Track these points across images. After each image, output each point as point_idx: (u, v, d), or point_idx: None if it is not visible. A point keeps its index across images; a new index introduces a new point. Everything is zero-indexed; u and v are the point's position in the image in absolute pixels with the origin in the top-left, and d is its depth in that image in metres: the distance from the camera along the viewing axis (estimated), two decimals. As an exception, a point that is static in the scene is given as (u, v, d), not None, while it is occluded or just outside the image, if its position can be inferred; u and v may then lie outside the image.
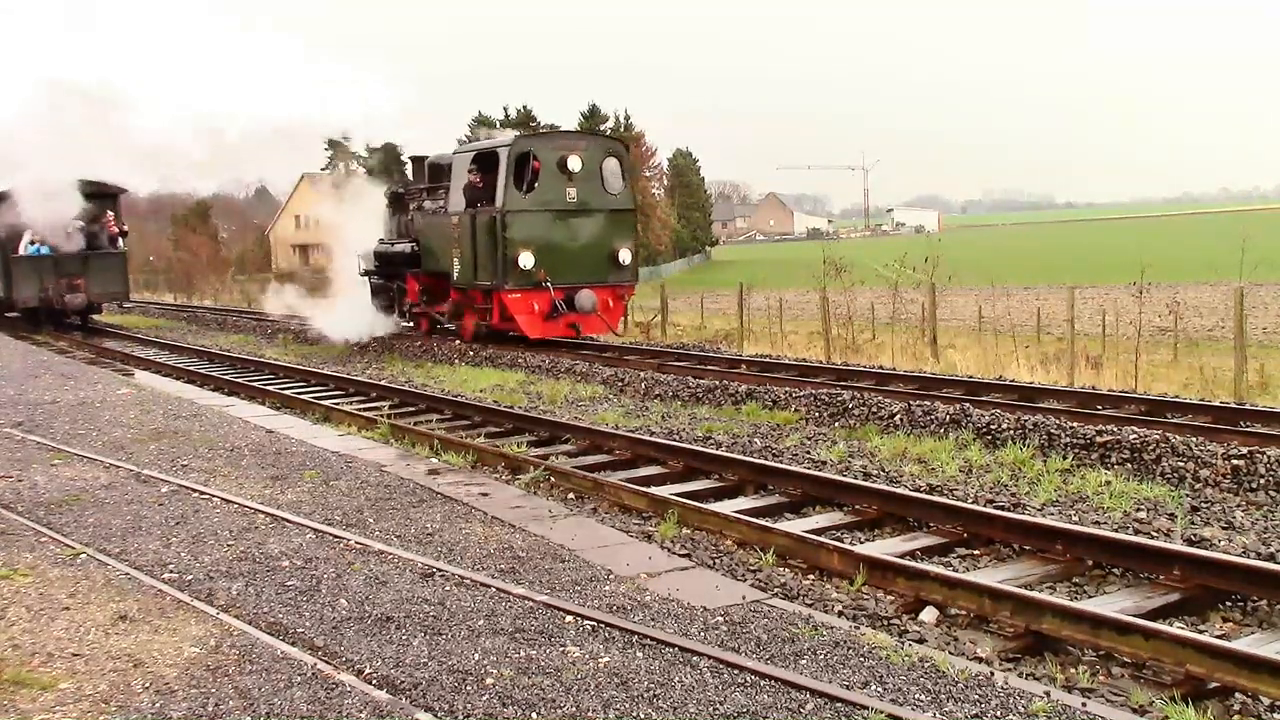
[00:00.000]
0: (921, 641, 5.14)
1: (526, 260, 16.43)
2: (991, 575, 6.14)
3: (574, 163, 16.86)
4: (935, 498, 7.57)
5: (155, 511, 7.02)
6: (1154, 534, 6.85)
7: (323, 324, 21.31)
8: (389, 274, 20.30)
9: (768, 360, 15.33)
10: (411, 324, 20.39)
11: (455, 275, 17.76)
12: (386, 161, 21.52)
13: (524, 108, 63.74)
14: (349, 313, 20.68)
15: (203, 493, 7.53)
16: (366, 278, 21.01)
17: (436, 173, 19.07)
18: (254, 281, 40.70)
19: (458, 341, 18.22)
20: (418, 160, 20.19)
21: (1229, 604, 5.77)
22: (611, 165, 17.70)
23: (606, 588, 5.55)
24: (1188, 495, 7.77)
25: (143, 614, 5.07)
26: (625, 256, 17.39)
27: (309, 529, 6.58)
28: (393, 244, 19.90)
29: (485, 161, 17.25)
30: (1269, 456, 7.95)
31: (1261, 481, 7.78)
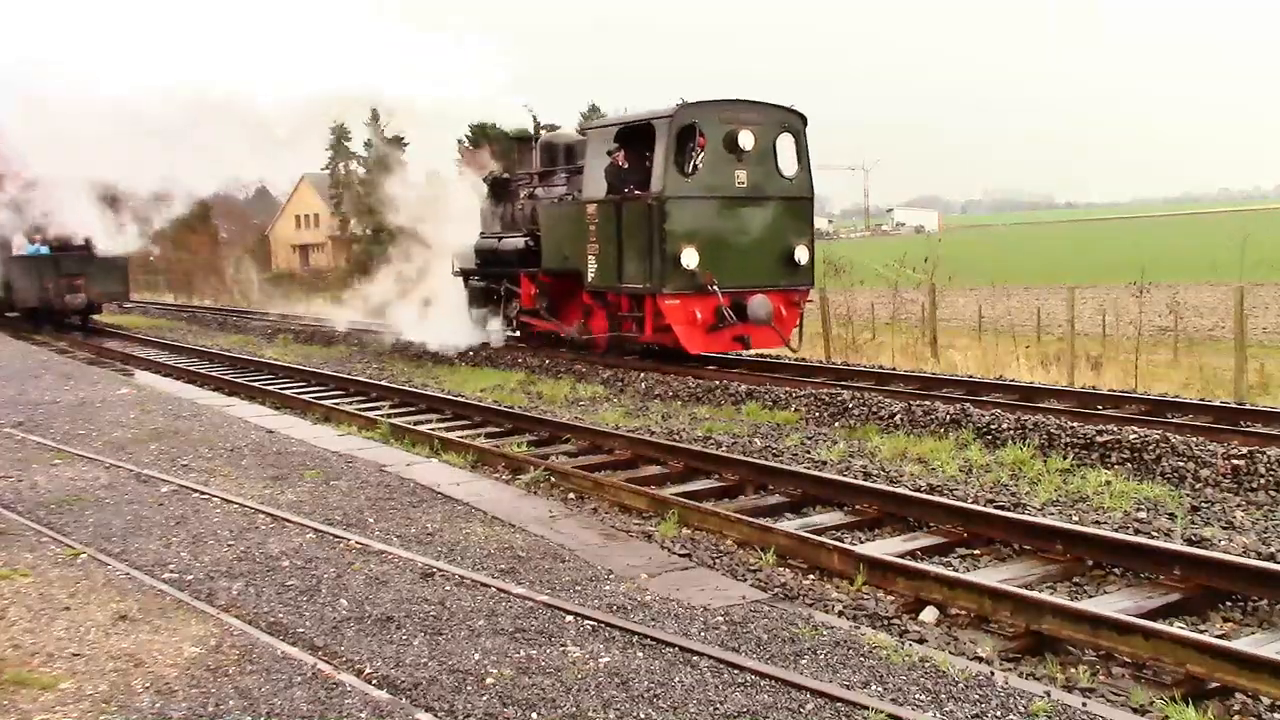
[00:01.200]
0: (921, 641, 5.14)
1: (690, 258, 13.36)
2: (991, 575, 6.14)
3: (746, 139, 13.71)
4: (935, 498, 7.57)
5: (155, 511, 7.02)
6: (1154, 534, 6.85)
7: (408, 334, 18.69)
8: (493, 274, 17.50)
9: (767, 360, 15.33)
10: (518, 333, 17.36)
11: (590, 276, 14.60)
12: (475, 141, 19.28)
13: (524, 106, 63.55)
14: (437, 319, 18.31)
15: (203, 493, 7.53)
16: (460, 278, 18.47)
17: (552, 154, 16.64)
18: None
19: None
20: (523, 140, 17.68)
21: (1229, 604, 5.77)
22: (786, 143, 14.46)
23: (606, 588, 5.55)
24: (1188, 495, 7.77)
25: (143, 614, 5.07)
26: (802, 255, 14.29)
27: (309, 529, 6.58)
28: (500, 238, 17.03)
29: (635, 137, 14.24)
30: (1269, 456, 7.95)
31: (1261, 481, 7.78)
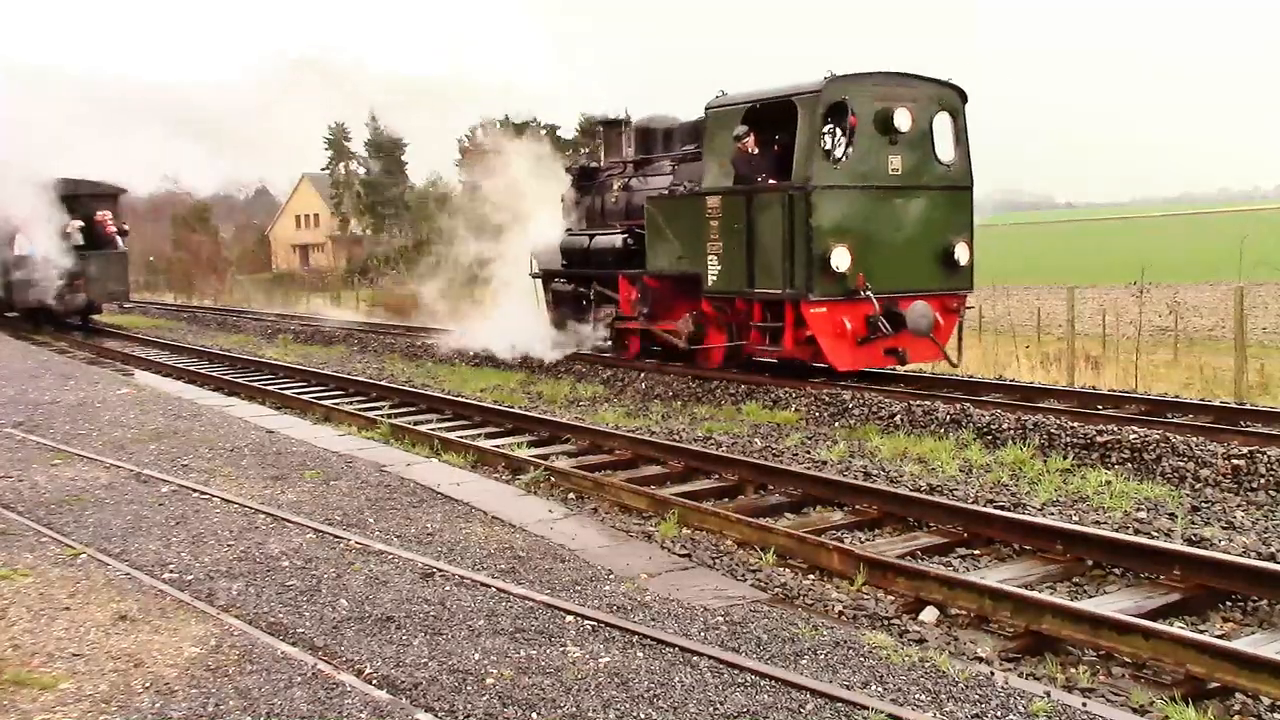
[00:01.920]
0: (921, 641, 5.14)
1: (840, 258, 11.43)
2: (991, 575, 6.14)
3: (902, 118, 11.81)
4: (935, 498, 7.58)
5: (155, 511, 7.02)
6: (1154, 534, 6.85)
7: (471, 339, 16.92)
8: (582, 276, 15.36)
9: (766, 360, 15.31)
10: (611, 341, 15.19)
11: (711, 279, 12.67)
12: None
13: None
14: (508, 325, 16.47)
15: (203, 493, 7.53)
16: (539, 280, 16.63)
17: (648, 140, 15.00)
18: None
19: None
20: (612, 125, 15.89)
21: (1229, 604, 5.78)
22: (943, 123, 12.54)
23: (606, 588, 5.55)
24: (1188, 495, 7.77)
25: (143, 614, 5.07)
26: (963, 253, 12.33)
27: (309, 529, 6.58)
28: (592, 236, 15.06)
29: (769, 117, 12.47)
30: (1269, 456, 7.95)
31: (1261, 481, 7.78)
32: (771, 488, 8.22)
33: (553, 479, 8.48)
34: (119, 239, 24.77)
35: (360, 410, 12.18)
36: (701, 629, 4.95)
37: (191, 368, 17.17)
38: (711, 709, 4.07)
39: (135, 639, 4.75)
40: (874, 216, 11.94)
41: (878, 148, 11.94)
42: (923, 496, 7.57)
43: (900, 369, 12.68)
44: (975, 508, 7.21)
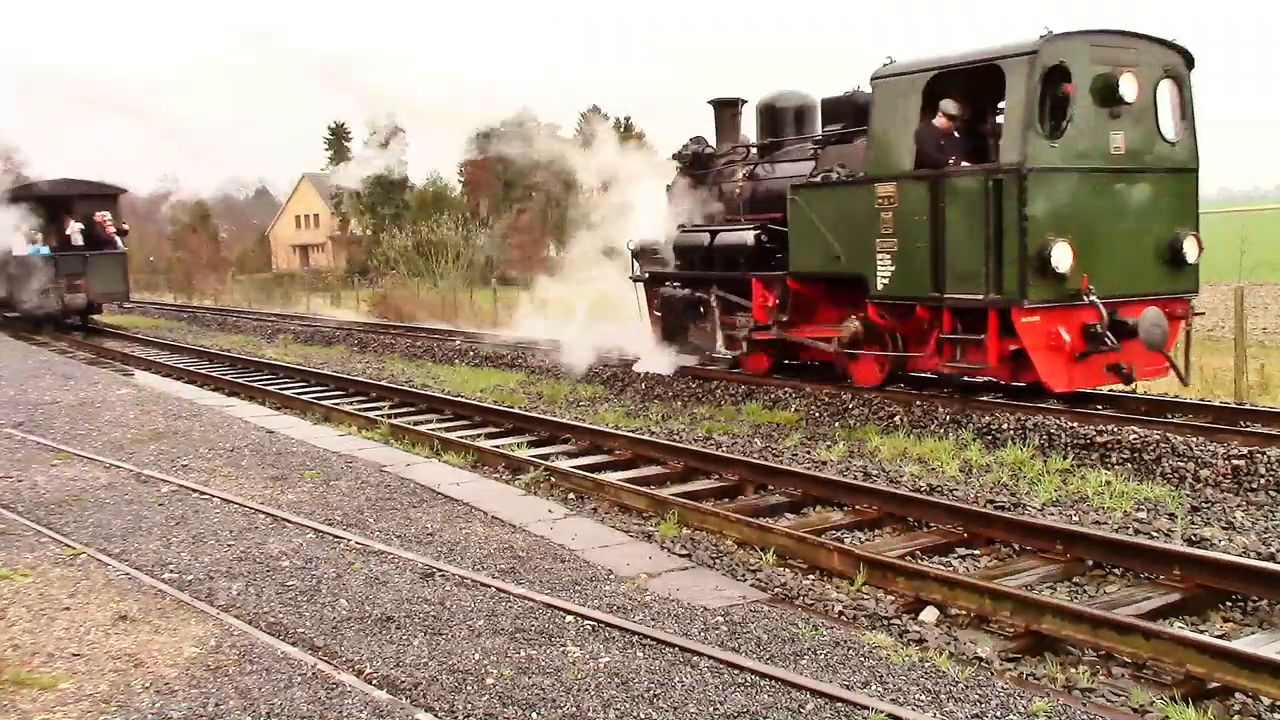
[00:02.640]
0: (921, 641, 5.14)
1: (1062, 257, 9.39)
2: (991, 575, 6.14)
3: (1128, 86, 9.71)
4: (935, 498, 7.58)
5: (155, 511, 7.02)
6: (1154, 534, 6.86)
7: (575, 351, 14.77)
8: (702, 278, 13.23)
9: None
10: (731, 353, 13.11)
11: (881, 282, 10.60)
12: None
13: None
14: (594, 333, 15.00)
15: (203, 493, 7.54)
16: (640, 283, 14.53)
17: (777, 120, 13.18)
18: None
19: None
20: (726, 105, 14.05)
21: (1229, 604, 5.78)
22: (1168, 92, 10.45)
23: (606, 588, 5.55)
24: (1188, 495, 7.77)
25: (143, 614, 5.07)
26: (1191, 249, 10.33)
27: (309, 529, 6.59)
28: (714, 231, 13.05)
29: (964, 86, 10.37)
30: (1269, 456, 7.94)
31: (1261, 481, 7.77)
32: (771, 488, 8.22)
33: (553, 479, 8.48)
34: (119, 239, 24.78)
35: (360, 410, 12.19)
36: (701, 629, 4.96)
37: (191, 368, 17.17)
38: (711, 709, 4.07)
39: (135, 639, 4.75)
40: (1095, 205, 9.90)
41: (1098, 122, 9.88)
42: (923, 496, 7.58)
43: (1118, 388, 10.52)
44: (975, 508, 7.21)
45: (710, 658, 4.55)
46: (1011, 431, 9.45)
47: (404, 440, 10.17)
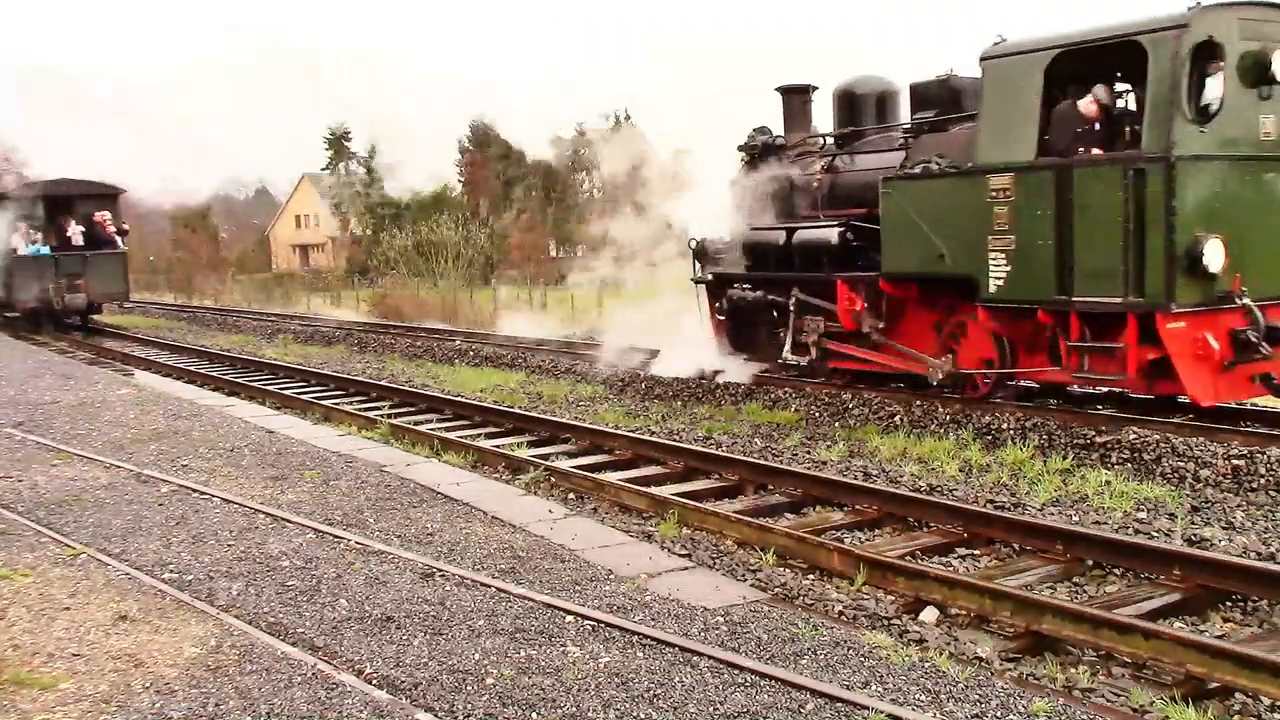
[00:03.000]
0: (921, 641, 5.14)
1: (1214, 255, 8.55)
2: (991, 575, 6.14)
3: None
4: (935, 498, 7.58)
5: (155, 511, 7.02)
6: (1154, 534, 6.86)
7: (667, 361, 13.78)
8: (773, 280, 12.26)
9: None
10: (800, 360, 12.07)
11: (995, 283, 9.63)
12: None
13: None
14: (644, 339, 14.23)
15: (203, 493, 7.54)
16: (702, 286, 13.44)
17: (855, 108, 12.26)
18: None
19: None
20: (795, 91, 13.10)
21: (1229, 604, 5.78)
22: None
23: (606, 588, 5.55)
24: (1188, 495, 7.77)
25: (143, 614, 5.07)
26: None
27: (309, 529, 6.59)
28: (791, 229, 12.03)
29: (1089, 66, 9.37)
30: (1269, 456, 7.94)
31: (1261, 481, 7.77)
32: (771, 488, 8.22)
33: (553, 479, 8.48)
34: (119, 239, 24.79)
35: (360, 410, 12.19)
36: (701, 629, 4.96)
37: (191, 368, 17.17)
38: (711, 709, 4.07)
39: (135, 639, 4.75)
40: (1245, 197, 9.00)
41: (1246, 104, 8.91)
42: (923, 496, 7.57)
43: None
44: (975, 508, 7.21)
45: (710, 658, 4.55)
46: (1011, 431, 9.45)
47: (404, 440, 10.17)
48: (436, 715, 4.02)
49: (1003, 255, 9.59)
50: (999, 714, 4.09)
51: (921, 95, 11.52)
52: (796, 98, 13.08)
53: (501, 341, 18.98)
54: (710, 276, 13.29)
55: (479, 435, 10.58)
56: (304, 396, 13.39)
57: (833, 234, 11.45)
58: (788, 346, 12.05)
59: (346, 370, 16.49)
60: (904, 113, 12.01)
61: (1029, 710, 4.11)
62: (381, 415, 11.64)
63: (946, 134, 10.82)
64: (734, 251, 13.12)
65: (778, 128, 13.20)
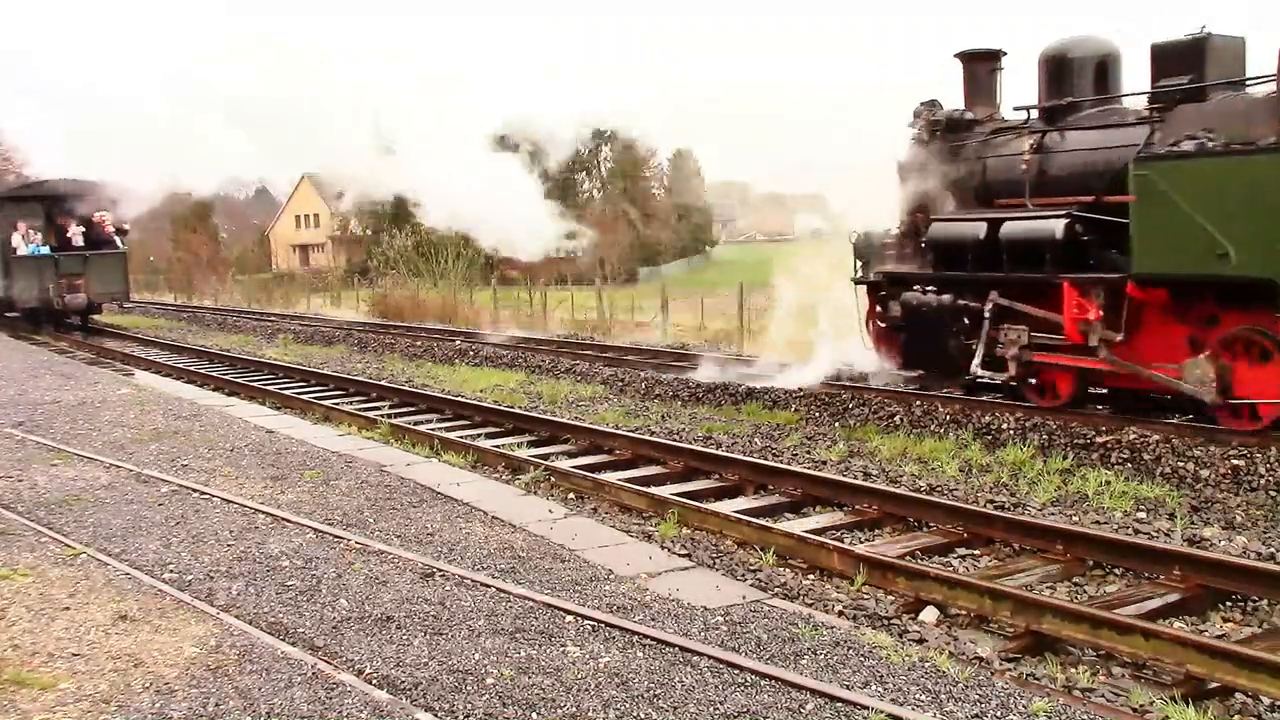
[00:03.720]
0: (921, 641, 5.14)
1: None
2: (991, 575, 6.14)
3: None
4: (935, 498, 7.58)
5: (155, 511, 7.02)
6: (1154, 534, 6.86)
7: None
8: (967, 281, 10.36)
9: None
10: (996, 376, 10.33)
11: None
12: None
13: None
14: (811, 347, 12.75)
15: (203, 493, 7.53)
16: (862, 288, 11.80)
17: (1069, 77, 10.23)
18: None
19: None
20: (980, 57, 11.25)
21: (1229, 604, 5.78)
22: None
23: (606, 588, 5.55)
24: (1188, 495, 7.77)
25: (143, 614, 5.07)
26: None
27: (309, 529, 6.58)
28: (996, 220, 10.12)
29: None
30: (1269, 456, 7.94)
31: (1261, 481, 7.77)
32: (771, 487, 8.22)
33: (553, 479, 8.48)
34: (118, 239, 24.77)
35: (360, 410, 12.19)
36: (701, 629, 4.95)
37: (191, 368, 17.17)
38: (711, 709, 4.07)
39: (135, 639, 4.75)
40: None
41: None
42: (923, 496, 7.58)
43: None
44: (975, 508, 7.22)
45: (710, 658, 4.55)
46: (1011, 431, 9.45)
47: (404, 440, 10.16)
48: (436, 715, 4.02)
49: None
50: (999, 714, 4.09)
51: (1173, 57, 9.50)
52: (983, 65, 11.22)
53: (502, 341, 18.99)
54: (878, 277, 11.40)
55: (479, 435, 10.58)
56: (304, 396, 13.39)
57: (1057, 227, 9.52)
58: (978, 360, 10.19)
59: (346, 370, 16.48)
60: (1128, 81, 10.30)
61: (1029, 710, 4.11)
62: (381, 415, 11.64)
63: (1211, 104, 9.02)
64: (900, 247, 11.35)
65: (947, 100, 11.37)
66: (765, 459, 8.98)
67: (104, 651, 4.61)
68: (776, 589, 5.86)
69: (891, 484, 8.14)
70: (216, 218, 61.08)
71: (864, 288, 11.77)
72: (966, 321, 10.37)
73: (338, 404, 12.89)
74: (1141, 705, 4.55)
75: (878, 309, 11.53)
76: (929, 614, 5.68)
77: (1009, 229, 10.00)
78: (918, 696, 4.23)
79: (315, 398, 13.35)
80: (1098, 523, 7.11)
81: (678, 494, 7.86)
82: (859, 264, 11.82)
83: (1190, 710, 4.35)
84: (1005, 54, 11.31)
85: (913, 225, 11.26)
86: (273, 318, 28.23)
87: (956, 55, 11.34)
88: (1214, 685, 4.69)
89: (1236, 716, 4.57)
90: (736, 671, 4.42)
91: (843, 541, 6.74)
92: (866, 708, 4.04)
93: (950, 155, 10.95)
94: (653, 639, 4.77)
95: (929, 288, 10.71)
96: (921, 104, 11.33)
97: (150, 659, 4.52)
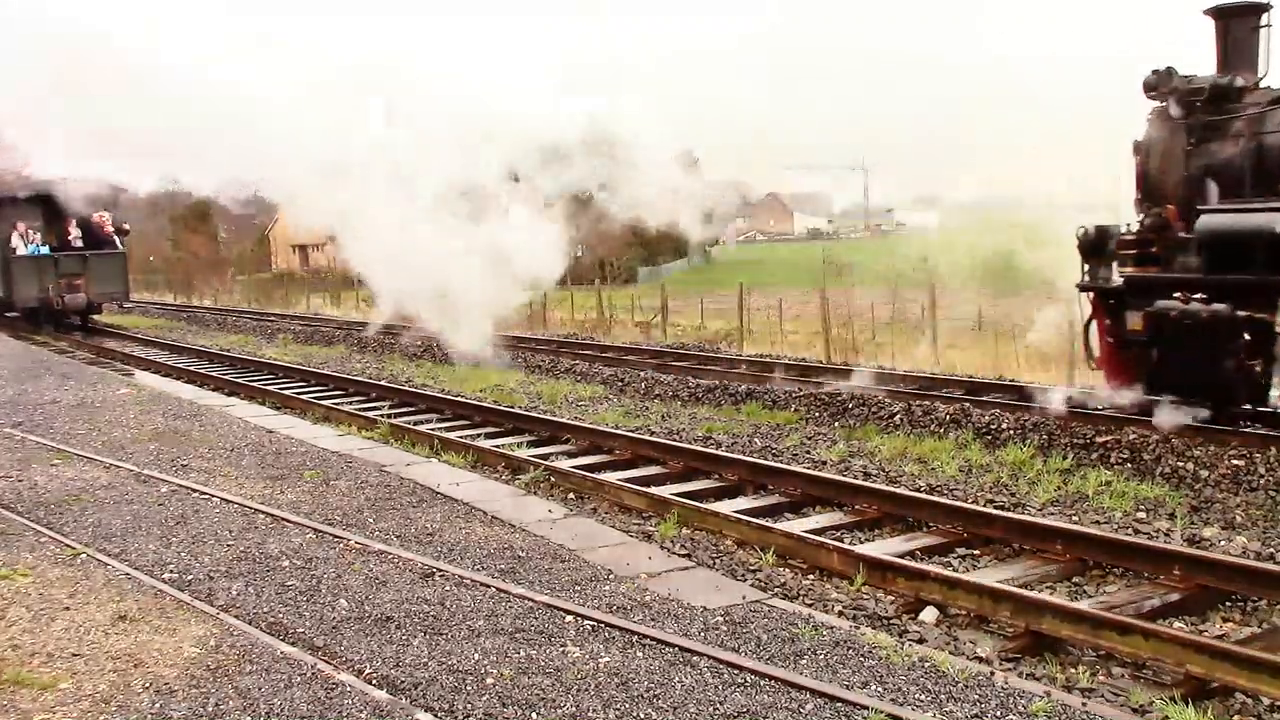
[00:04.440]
0: (921, 641, 5.14)
1: None
2: (991, 575, 6.14)
3: None
4: (935, 498, 7.58)
5: (155, 511, 7.02)
6: (1154, 534, 6.86)
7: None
8: (1247, 290, 8.33)
9: (768, 360, 15.31)
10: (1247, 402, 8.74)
11: None
12: None
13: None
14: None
15: (203, 493, 7.53)
16: (1093, 295, 9.71)
17: None
18: None
19: None
20: (1242, 11, 9.15)
21: (1229, 604, 5.78)
22: None
23: (606, 588, 5.55)
24: (1188, 495, 7.77)
25: (143, 614, 5.07)
26: None
27: (309, 529, 6.58)
28: None
29: None
30: (1269, 456, 7.94)
31: (1261, 481, 7.77)
32: (771, 487, 8.22)
33: (553, 479, 8.48)
34: (118, 239, 24.76)
35: (360, 410, 12.18)
36: (701, 629, 4.95)
37: (191, 368, 17.16)
38: (711, 709, 4.07)
39: (135, 639, 4.75)
40: None
41: None
42: (923, 496, 7.58)
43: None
44: (975, 508, 7.21)
45: (710, 658, 4.55)
46: (1011, 431, 9.45)
47: (404, 440, 10.16)
48: (436, 715, 4.02)
49: None
50: (999, 714, 4.09)
51: None
52: (1243, 22, 9.15)
53: (502, 341, 18.96)
54: (1119, 283, 9.36)
55: (479, 435, 10.57)
56: (304, 396, 13.38)
57: None
58: (1278, 385, 8.32)
59: (346, 370, 16.48)
60: None
61: (1029, 710, 4.11)
62: (381, 415, 11.64)
63: None
64: (1145, 245, 9.30)
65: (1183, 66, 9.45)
66: (765, 459, 8.98)
67: (104, 651, 4.61)
68: (776, 589, 5.86)
69: (891, 484, 8.14)
70: (217, 217, 61.00)
71: (1086, 295, 9.75)
72: (1249, 337, 8.37)
73: (337, 404, 12.89)
74: (1141, 705, 4.55)
75: (1112, 321, 9.50)
76: (929, 614, 5.68)
77: None
78: (918, 697, 4.23)
79: (315, 398, 13.34)
80: (1098, 523, 7.11)
81: (678, 494, 7.86)
82: (1087, 267, 9.68)
83: (1190, 710, 4.35)
84: (1270, 7, 9.21)
85: (1160, 219, 9.22)
86: (272, 318, 28.22)
87: (1208, 11, 9.29)
88: (1214, 685, 4.69)
89: (1236, 716, 4.57)
90: (736, 671, 4.42)
91: (842, 541, 6.74)
92: (866, 708, 4.04)
93: (1209, 133, 9.07)
94: (653, 639, 4.77)
95: (1194, 295, 8.67)
96: (1154, 72, 9.38)
97: (150, 659, 4.52)
